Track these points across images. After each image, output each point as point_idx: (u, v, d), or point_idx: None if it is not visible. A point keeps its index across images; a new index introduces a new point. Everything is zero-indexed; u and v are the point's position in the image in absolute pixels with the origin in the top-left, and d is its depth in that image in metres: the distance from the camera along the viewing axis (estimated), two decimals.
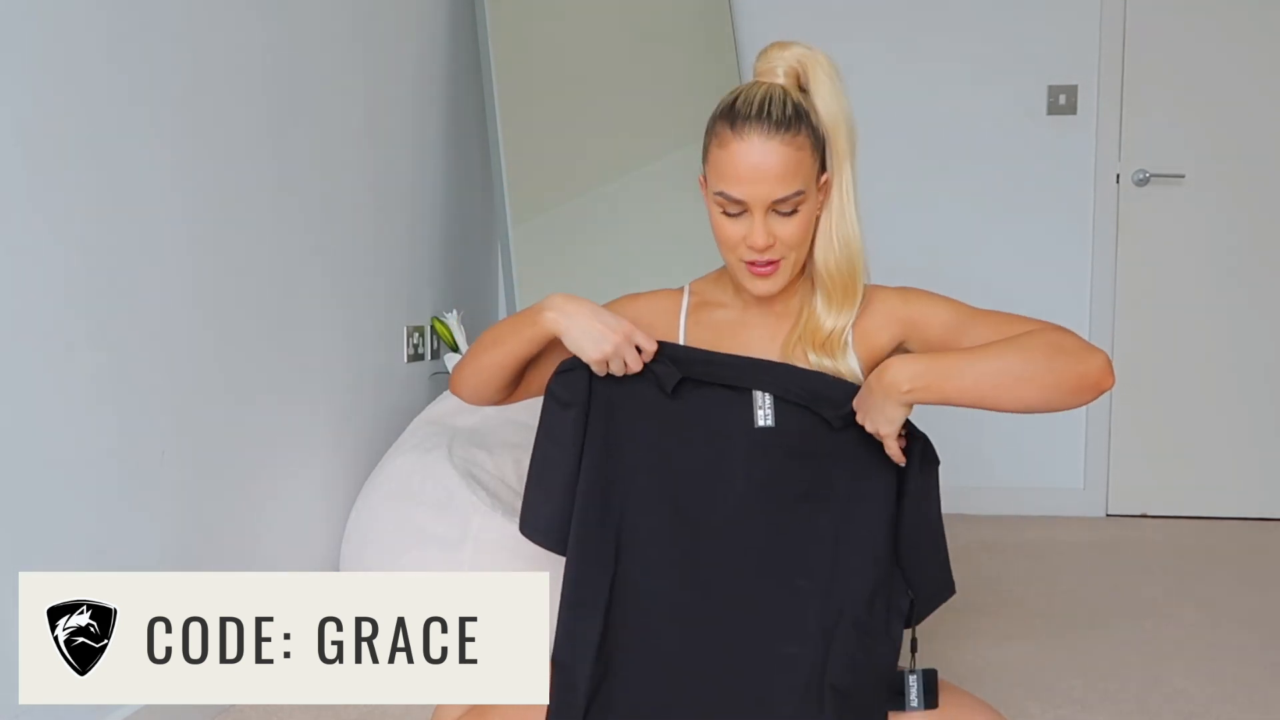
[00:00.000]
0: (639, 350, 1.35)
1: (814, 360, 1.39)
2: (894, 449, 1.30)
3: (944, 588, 1.39)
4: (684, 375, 1.36)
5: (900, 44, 3.55)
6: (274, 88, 2.06)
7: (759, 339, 1.45)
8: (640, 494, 1.36)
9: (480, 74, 3.13)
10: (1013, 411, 1.27)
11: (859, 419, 1.31)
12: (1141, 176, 3.48)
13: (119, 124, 1.63)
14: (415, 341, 2.72)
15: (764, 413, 1.35)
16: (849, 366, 1.40)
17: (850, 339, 1.42)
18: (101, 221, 1.60)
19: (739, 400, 1.35)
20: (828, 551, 1.33)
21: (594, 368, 1.36)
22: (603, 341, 1.34)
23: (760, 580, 1.33)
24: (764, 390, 1.35)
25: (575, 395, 1.37)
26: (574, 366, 1.38)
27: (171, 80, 1.75)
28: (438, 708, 1.42)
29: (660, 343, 1.38)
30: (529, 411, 2.32)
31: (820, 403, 1.33)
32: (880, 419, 1.28)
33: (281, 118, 2.09)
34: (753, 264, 1.37)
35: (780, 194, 1.32)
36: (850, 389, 1.34)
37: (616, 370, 1.35)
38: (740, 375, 1.36)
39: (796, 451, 1.34)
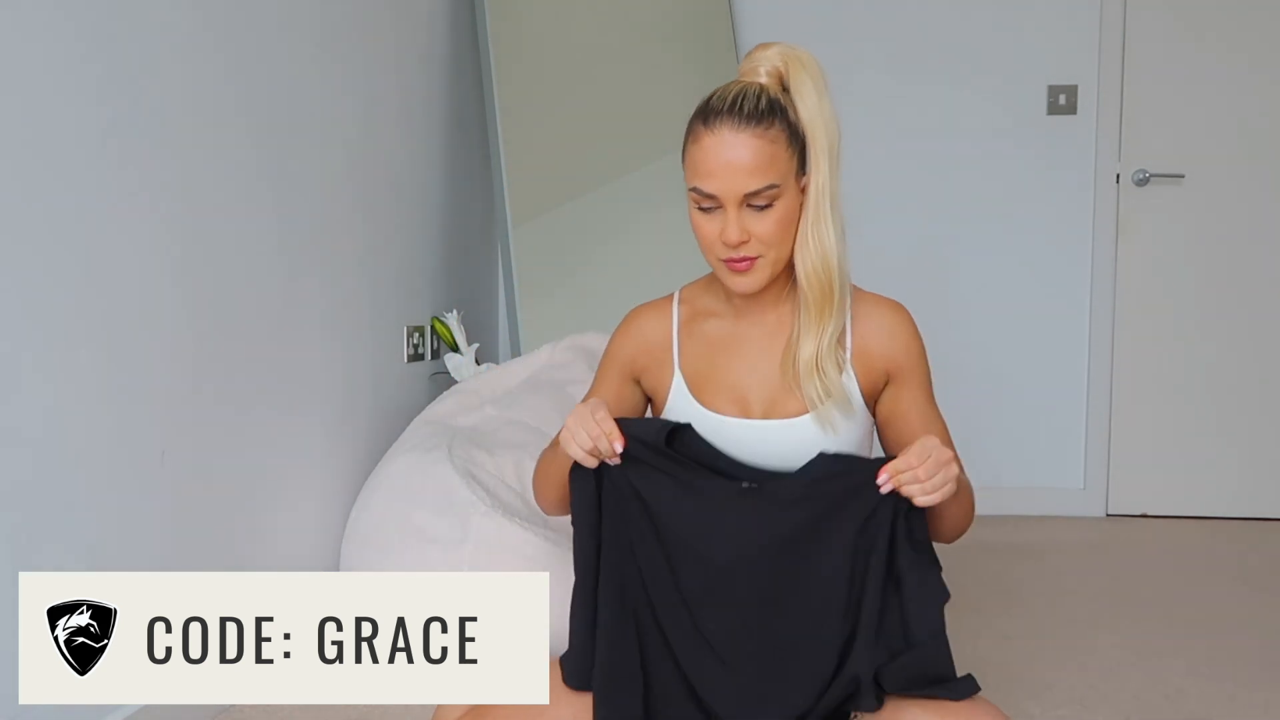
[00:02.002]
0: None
1: (803, 379, 1.38)
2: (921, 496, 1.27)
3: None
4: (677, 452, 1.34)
5: (900, 43, 3.55)
6: (274, 86, 2.06)
7: (753, 353, 1.43)
8: (650, 578, 1.34)
9: (480, 74, 3.13)
10: (939, 533, 1.39)
11: (906, 467, 1.26)
12: (1141, 176, 3.48)
13: (117, 123, 1.63)
14: (415, 341, 2.72)
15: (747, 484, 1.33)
16: (841, 385, 1.38)
17: (850, 354, 1.41)
18: (100, 221, 1.60)
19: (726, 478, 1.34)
20: (820, 619, 1.32)
21: (580, 458, 1.32)
22: (570, 421, 1.33)
23: (766, 643, 1.32)
24: (751, 485, 1.33)
25: (586, 513, 1.36)
26: (581, 483, 1.35)
27: (171, 80, 1.75)
28: (438, 708, 1.42)
29: (664, 426, 1.35)
30: (529, 412, 2.33)
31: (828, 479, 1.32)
32: (946, 478, 1.26)
33: (281, 118, 2.09)
34: (730, 261, 1.36)
35: (752, 187, 1.31)
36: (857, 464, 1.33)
37: (598, 447, 1.31)
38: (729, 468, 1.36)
39: (785, 506, 1.32)
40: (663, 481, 1.34)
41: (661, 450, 1.33)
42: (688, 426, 1.36)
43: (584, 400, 1.41)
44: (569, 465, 1.37)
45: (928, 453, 1.25)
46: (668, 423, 1.36)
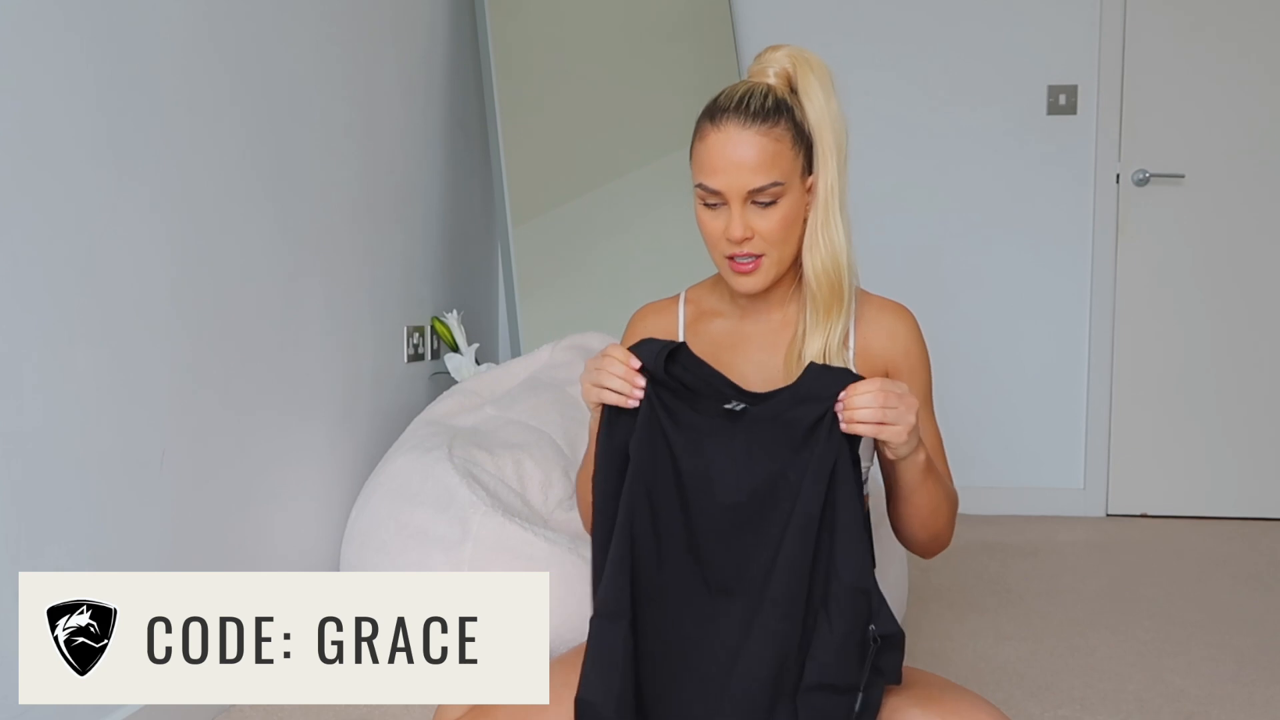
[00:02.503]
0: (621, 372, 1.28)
1: None
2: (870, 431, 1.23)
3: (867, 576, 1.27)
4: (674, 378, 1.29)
5: (900, 43, 3.55)
6: (273, 87, 2.06)
7: (758, 350, 1.43)
8: (651, 532, 1.29)
9: (480, 74, 3.13)
10: (909, 527, 1.38)
11: (874, 399, 1.21)
12: (1141, 176, 3.48)
13: (116, 124, 1.63)
14: (415, 341, 2.72)
15: (734, 403, 1.27)
16: None
17: (853, 353, 1.41)
18: (100, 221, 1.60)
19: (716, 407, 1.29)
20: (803, 578, 1.25)
21: (605, 398, 1.28)
22: (588, 370, 1.30)
23: (743, 595, 1.27)
24: (738, 405, 1.28)
25: (611, 472, 1.31)
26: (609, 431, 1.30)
27: (170, 81, 1.75)
28: (438, 708, 1.42)
29: (660, 346, 1.30)
30: (529, 412, 2.33)
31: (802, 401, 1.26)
32: (906, 418, 1.22)
33: (281, 118, 2.09)
34: (734, 260, 1.36)
35: (756, 184, 1.32)
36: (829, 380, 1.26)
37: (613, 385, 1.28)
38: (719, 389, 1.29)
39: (770, 436, 1.26)
40: (670, 419, 1.29)
41: (658, 378, 1.28)
42: (683, 346, 1.31)
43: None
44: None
45: (887, 382, 1.22)
46: (666, 344, 1.30)
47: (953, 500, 1.41)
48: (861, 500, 1.27)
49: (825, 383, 1.26)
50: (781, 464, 1.27)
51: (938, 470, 1.36)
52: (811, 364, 1.29)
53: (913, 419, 1.22)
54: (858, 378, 1.25)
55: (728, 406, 1.28)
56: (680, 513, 1.29)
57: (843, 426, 1.23)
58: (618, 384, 1.27)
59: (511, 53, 3.05)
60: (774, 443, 1.27)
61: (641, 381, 1.28)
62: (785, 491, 1.27)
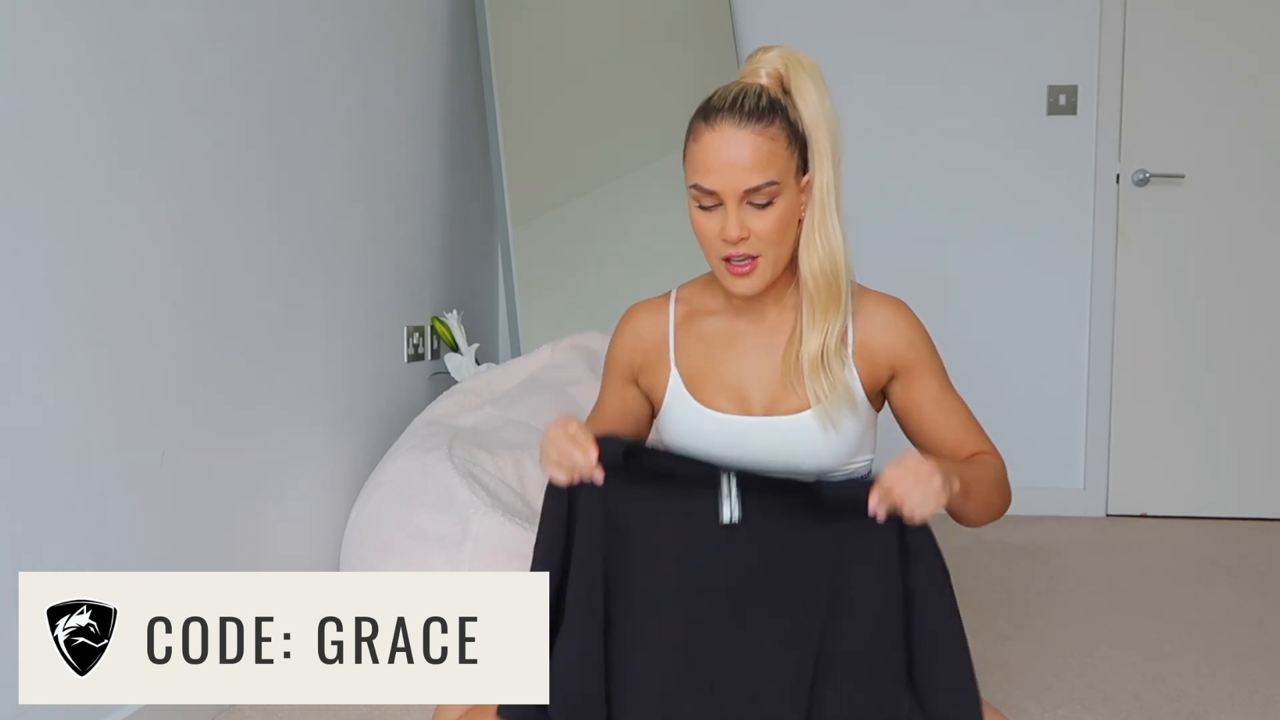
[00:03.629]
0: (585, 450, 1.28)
1: (809, 375, 1.38)
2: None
3: (967, 709, 1.24)
4: (649, 465, 1.29)
5: (900, 43, 3.55)
6: (274, 87, 2.06)
7: (753, 351, 1.44)
8: (630, 611, 1.28)
9: (480, 74, 3.13)
10: (966, 524, 1.40)
11: (889, 489, 1.22)
12: (1141, 176, 3.48)
13: (117, 124, 1.63)
14: (415, 341, 2.72)
15: (730, 505, 1.25)
16: (845, 381, 1.39)
17: (851, 350, 1.41)
18: (100, 221, 1.60)
19: (706, 494, 1.27)
20: (807, 662, 1.24)
21: (554, 475, 1.29)
22: (545, 435, 1.32)
23: (739, 690, 1.25)
24: (729, 474, 1.26)
25: (554, 524, 1.31)
26: (552, 495, 1.31)
27: (171, 81, 1.75)
28: (438, 708, 1.42)
29: (622, 444, 1.30)
30: (529, 412, 2.33)
31: (796, 486, 1.26)
32: (928, 493, 1.22)
33: (281, 118, 2.09)
34: (730, 262, 1.36)
35: (751, 183, 1.32)
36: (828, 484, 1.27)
37: (574, 462, 1.28)
38: (706, 468, 1.28)
39: (768, 548, 1.26)
40: (635, 508, 1.28)
41: (621, 470, 1.27)
42: (642, 446, 1.31)
43: (627, 341, 1.49)
44: None
45: (905, 470, 1.23)
46: (624, 442, 1.30)
47: (997, 475, 1.42)
48: (900, 624, 1.24)
49: (843, 510, 1.24)
50: (799, 589, 1.25)
51: (970, 478, 1.35)
52: (820, 481, 1.27)
53: (938, 481, 1.22)
54: (862, 487, 1.23)
55: (726, 522, 1.25)
56: (655, 613, 1.27)
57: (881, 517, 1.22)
58: (570, 468, 1.27)
59: (511, 53, 3.05)
60: (790, 560, 1.26)
61: (600, 475, 1.27)
62: (783, 598, 1.25)
